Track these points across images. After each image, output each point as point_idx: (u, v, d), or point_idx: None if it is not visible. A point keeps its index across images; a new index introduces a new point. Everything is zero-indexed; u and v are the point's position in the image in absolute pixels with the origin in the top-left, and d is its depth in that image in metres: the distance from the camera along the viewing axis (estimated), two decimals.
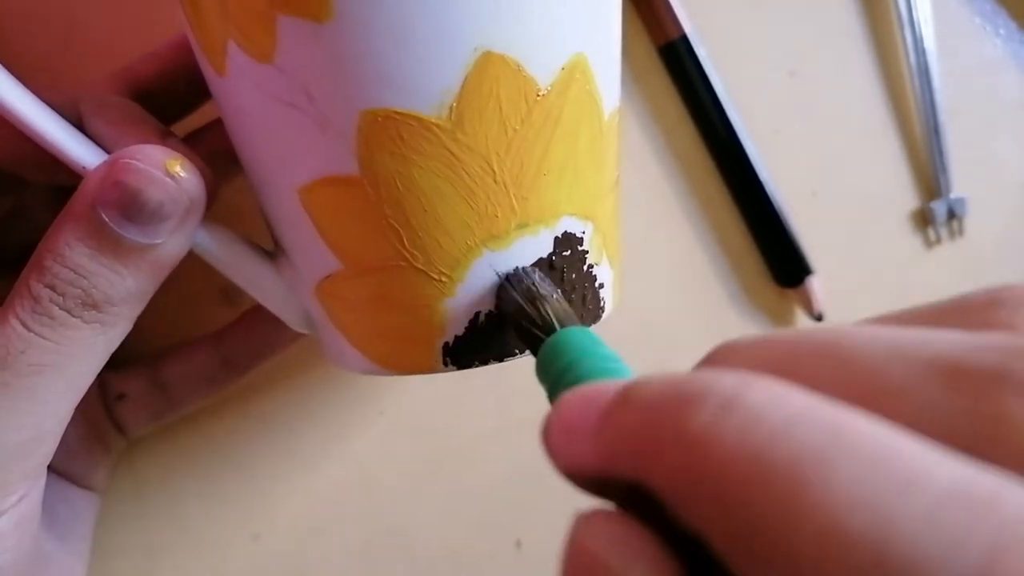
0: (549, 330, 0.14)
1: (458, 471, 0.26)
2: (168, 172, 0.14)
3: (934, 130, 0.28)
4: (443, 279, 0.15)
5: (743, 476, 0.07)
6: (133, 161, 0.14)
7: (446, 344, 0.16)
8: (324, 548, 0.25)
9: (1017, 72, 0.30)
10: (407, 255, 0.15)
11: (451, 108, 0.13)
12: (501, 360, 0.16)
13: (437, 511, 0.26)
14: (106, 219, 0.14)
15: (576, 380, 0.12)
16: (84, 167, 0.15)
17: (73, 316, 0.14)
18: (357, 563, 0.25)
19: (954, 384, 0.08)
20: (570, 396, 0.10)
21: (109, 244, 0.14)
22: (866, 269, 0.29)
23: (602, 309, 0.17)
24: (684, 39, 0.25)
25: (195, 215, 0.15)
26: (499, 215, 0.14)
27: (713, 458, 0.07)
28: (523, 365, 0.27)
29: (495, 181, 0.14)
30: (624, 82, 0.26)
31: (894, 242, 0.29)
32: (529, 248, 0.15)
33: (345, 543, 0.25)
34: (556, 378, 0.12)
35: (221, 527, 0.24)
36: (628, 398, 0.09)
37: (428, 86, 0.13)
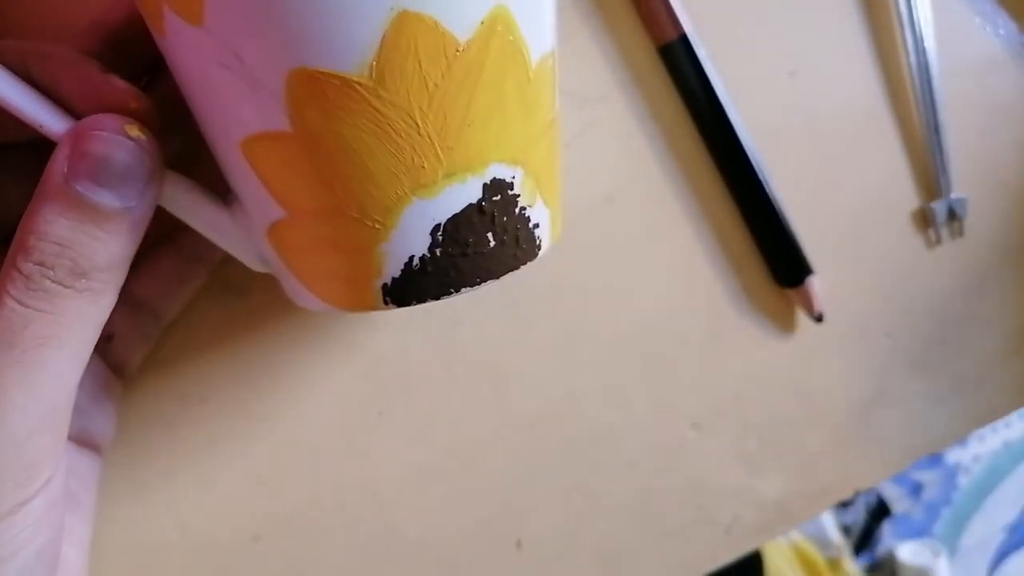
0: None
1: (458, 471, 0.26)
2: (128, 136, 0.15)
3: (934, 130, 0.28)
4: (376, 226, 0.16)
5: None
6: (94, 131, 0.15)
7: (385, 285, 0.17)
8: (324, 548, 0.25)
9: (1017, 72, 0.30)
10: (341, 204, 0.15)
11: (371, 67, 0.14)
12: (438, 299, 0.17)
13: (437, 511, 0.26)
14: (80, 190, 0.15)
15: None
16: (52, 131, 0.15)
17: (66, 287, 0.15)
18: (357, 563, 0.25)
19: None
20: None
21: (88, 213, 0.15)
22: (866, 269, 0.29)
23: (538, 247, 0.18)
24: (684, 39, 0.25)
25: (159, 171, 0.16)
26: (426, 166, 0.15)
27: None
28: (524, 367, 0.27)
29: (419, 134, 0.15)
30: (624, 82, 0.26)
31: (894, 242, 0.29)
32: (458, 195, 0.16)
33: (345, 543, 0.25)
34: None
35: (221, 527, 0.24)
36: None
37: (348, 46, 0.13)
